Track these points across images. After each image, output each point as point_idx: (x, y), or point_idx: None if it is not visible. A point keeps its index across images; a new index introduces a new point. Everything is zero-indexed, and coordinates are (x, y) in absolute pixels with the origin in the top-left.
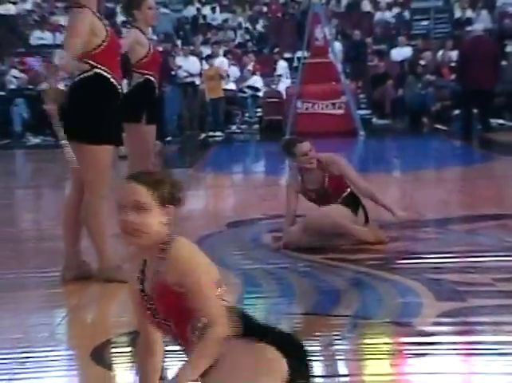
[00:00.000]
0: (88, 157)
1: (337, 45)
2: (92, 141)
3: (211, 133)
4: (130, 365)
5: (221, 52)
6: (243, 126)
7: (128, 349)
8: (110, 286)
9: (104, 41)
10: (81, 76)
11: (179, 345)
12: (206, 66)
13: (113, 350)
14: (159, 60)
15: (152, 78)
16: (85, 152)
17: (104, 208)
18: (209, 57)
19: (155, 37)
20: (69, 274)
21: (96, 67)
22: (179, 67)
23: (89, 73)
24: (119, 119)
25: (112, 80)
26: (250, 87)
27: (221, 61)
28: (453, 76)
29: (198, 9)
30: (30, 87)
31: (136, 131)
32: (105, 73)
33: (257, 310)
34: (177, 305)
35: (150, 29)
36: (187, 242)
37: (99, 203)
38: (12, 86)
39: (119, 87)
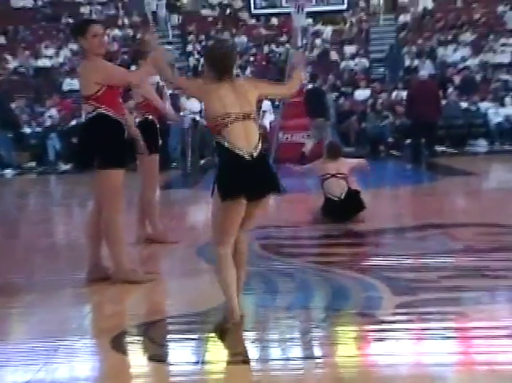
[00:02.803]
0: (104, 180)
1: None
2: (104, 167)
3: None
4: (142, 351)
5: None
6: None
7: (141, 338)
8: (126, 286)
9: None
10: (89, 115)
11: None
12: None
13: (128, 339)
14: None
15: (151, 117)
16: (101, 176)
17: (121, 221)
18: None
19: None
20: (92, 276)
21: (100, 107)
22: (184, 108)
23: (93, 113)
24: (125, 147)
25: (113, 117)
26: None
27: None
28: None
29: (198, 60)
30: (62, 124)
31: (142, 160)
32: (107, 112)
33: (247, 304)
34: None
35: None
36: None
37: (116, 218)
38: (47, 124)
39: (122, 122)
